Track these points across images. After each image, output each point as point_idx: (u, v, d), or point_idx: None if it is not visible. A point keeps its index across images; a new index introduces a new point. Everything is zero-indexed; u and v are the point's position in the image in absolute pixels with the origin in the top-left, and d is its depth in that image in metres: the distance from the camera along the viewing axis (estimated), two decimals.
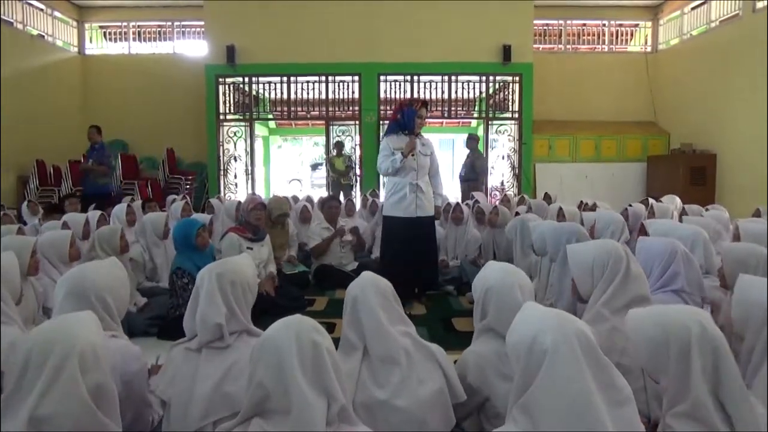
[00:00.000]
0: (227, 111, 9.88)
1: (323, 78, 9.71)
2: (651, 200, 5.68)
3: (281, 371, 1.25)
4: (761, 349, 1.63)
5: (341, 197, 8.34)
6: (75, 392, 1.21)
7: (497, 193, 9.96)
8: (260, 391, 1.27)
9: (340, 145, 9.36)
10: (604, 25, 11.22)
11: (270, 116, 11.01)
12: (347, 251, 5.34)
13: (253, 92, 9.96)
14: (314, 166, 17.57)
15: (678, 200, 5.77)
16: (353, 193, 9.30)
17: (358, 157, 9.67)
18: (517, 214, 5.16)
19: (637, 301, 1.97)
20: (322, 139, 10.67)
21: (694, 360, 1.27)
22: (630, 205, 4.92)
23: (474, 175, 8.29)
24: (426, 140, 4.45)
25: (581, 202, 5.71)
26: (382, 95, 9.67)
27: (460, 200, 6.81)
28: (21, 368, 1.23)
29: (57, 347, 1.23)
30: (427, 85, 9.73)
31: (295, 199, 6.87)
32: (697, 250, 2.92)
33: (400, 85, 9.68)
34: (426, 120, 4.37)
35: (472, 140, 8.51)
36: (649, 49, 11.20)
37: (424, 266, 4.38)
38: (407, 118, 4.28)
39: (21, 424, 1.18)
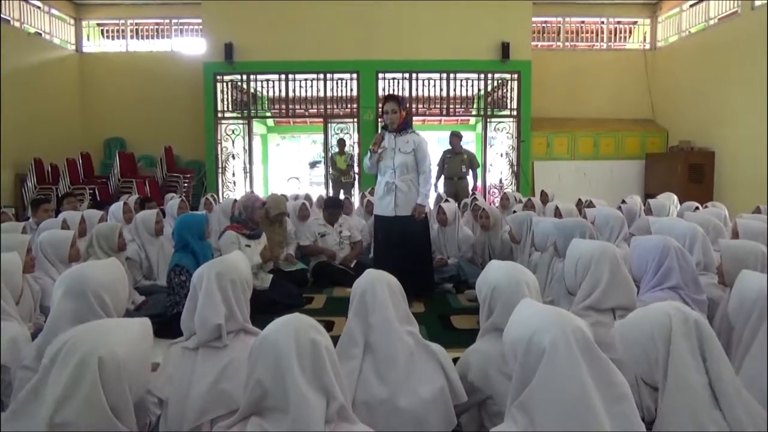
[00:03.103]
0: (225, 109, 9.87)
1: (321, 76, 9.69)
2: (637, 198, 5.68)
3: (279, 370, 1.25)
4: (749, 337, 1.65)
5: (341, 195, 8.37)
6: (95, 401, 1.16)
7: (495, 190, 9.97)
8: (258, 389, 1.27)
9: (342, 143, 9.34)
10: (602, 22, 11.21)
11: (268, 114, 11.00)
12: (345, 248, 5.34)
13: (252, 90, 9.93)
14: (312, 164, 17.55)
15: (675, 197, 5.77)
16: (353, 191, 9.30)
17: (356, 155, 9.66)
18: (513, 212, 5.17)
19: (621, 308, 2.01)
20: (320, 137, 10.66)
21: (678, 343, 1.29)
22: (624, 202, 4.93)
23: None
24: (411, 137, 4.29)
25: (579, 199, 5.71)
26: (380, 93, 9.63)
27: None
28: (47, 365, 1.21)
29: (81, 350, 1.19)
30: (426, 82, 9.71)
31: (295, 197, 6.87)
32: (696, 248, 2.92)
33: (398, 82, 9.67)
34: (398, 113, 4.21)
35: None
36: (647, 46, 11.20)
37: (414, 267, 4.20)
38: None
39: (41, 426, 1.15)
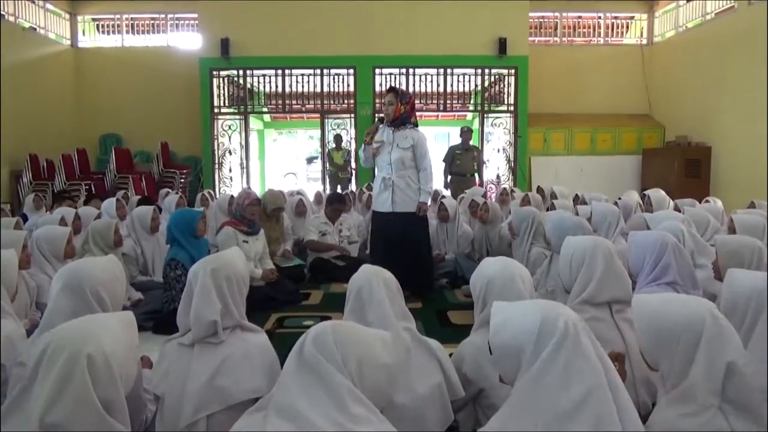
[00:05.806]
0: (222, 104, 9.83)
1: (318, 71, 9.66)
2: (634, 193, 5.70)
3: None
4: (746, 335, 1.65)
5: (338, 190, 8.36)
6: (86, 400, 1.14)
7: (492, 186, 9.96)
8: None
9: (338, 139, 9.32)
10: (599, 17, 11.20)
11: (265, 109, 10.96)
12: (344, 245, 5.33)
13: (248, 85, 9.90)
14: (309, 160, 17.51)
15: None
16: (350, 187, 9.28)
17: (353, 150, 9.63)
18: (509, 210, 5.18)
19: (616, 302, 2.01)
20: (317, 133, 10.65)
21: (701, 351, 1.31)
22: (620, 198, 4.94)
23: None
24: (410, 133, 4.15)
25: (576, 195, 5.72)
26: (377, 88, 9.61)
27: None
28: (34, 366, 1.18)
29: (68, 349, 1.17)
30: (423, 78, 9.70)
31: (291, 193, 6.85)
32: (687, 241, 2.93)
33: (395, 78, 9.64)
34: (394, 106, 4.09)
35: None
36: (644, 41, 11.19)
37: (413, 264, 4.06)
38: None
39: (32, 427, 1.14)
